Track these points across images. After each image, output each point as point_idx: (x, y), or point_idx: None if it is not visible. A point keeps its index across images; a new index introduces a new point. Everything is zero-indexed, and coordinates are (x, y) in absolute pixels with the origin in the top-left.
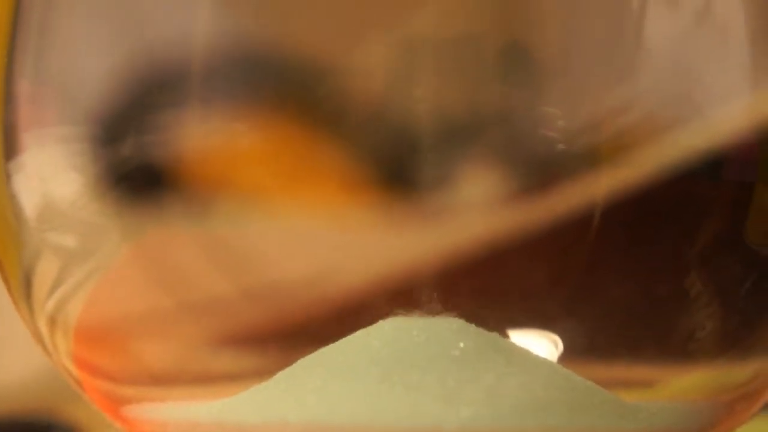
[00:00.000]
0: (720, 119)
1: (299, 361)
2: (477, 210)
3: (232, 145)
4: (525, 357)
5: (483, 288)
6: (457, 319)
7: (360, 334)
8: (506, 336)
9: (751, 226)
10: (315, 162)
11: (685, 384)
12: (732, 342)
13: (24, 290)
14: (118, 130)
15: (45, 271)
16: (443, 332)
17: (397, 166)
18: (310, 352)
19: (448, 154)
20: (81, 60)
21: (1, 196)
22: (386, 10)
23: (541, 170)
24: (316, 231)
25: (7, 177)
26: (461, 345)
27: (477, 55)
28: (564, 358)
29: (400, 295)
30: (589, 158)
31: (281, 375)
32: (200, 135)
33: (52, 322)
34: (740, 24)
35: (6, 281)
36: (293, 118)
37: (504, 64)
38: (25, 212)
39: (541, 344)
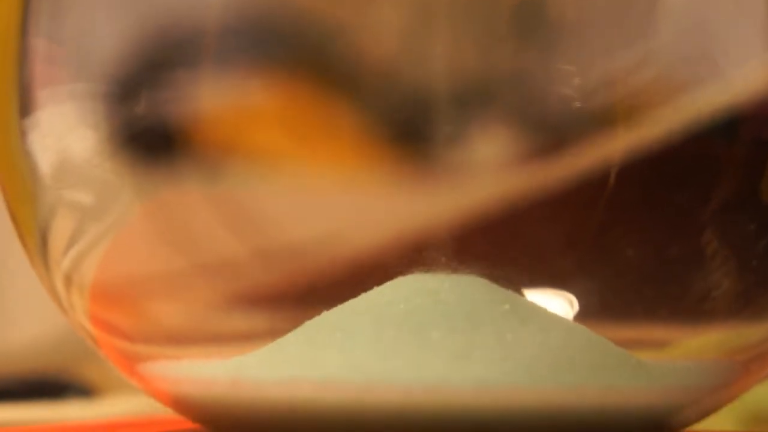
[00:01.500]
0: (736, 78)
1: (314, 319)
2: (492, 169)
3: (245, 106)
4: (541, 315)
5: (498, 248)
6: (472, 276)
7: (374, 291)
8: (522, 295)
9: (766, 186)
10: (328, 122)
11: (700, 344)
12: (747, 302)
13: (40, 248)
14: (132, 87)
15: (60, 229)
16: (458, 290)
17: (411, 126)
18: (324, 311)
19: (462, 114)
20: (96, 18)
21: (17, 154)
22: None
23: (556, 129)
24: (329, 191)
25: (23, 134)
26: (476, 302)
27: (491, 14)
28: (579, 317)
29: (414, 255)
30: (605, 117)
31: (296, 333)
32: (213, 94)
33: (68, 280)
34: None
35: (22, 239)
36: (306, 78)
37: (518, 22)
38: (40, 170)
39: (556, 303)
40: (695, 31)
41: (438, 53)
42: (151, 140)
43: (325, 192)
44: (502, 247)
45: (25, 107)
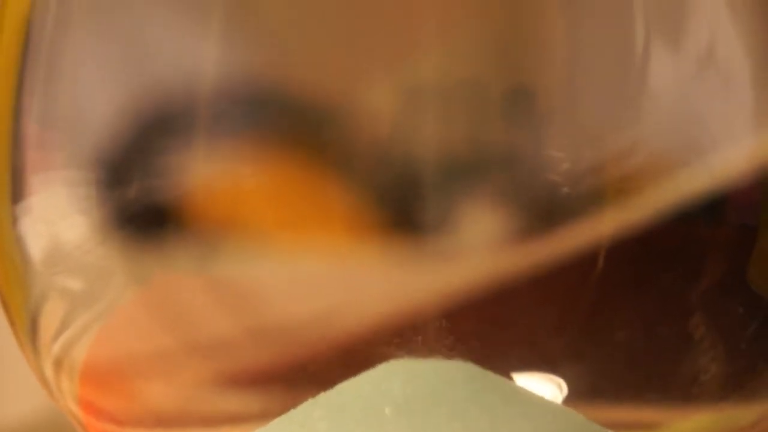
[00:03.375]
0: (723, 162)
1: (305, 403)
2: (481, 252)
3: (238, 186)
4: (530, 399)
5: (487, 330)
6: (460, 361)
7: (363, 376)
8: (510, 378)
9: (754, 270)
10: (320, 203)
11: (689, 426)
12: (736, 385)
13: (30, 333)
14: (124, 173)
15: (51, 314)
16: (447, 374)
17: (402, 208)
18: (316, 393)
19: (452, 196)
20: (87, 103)
21: (8, 239)
22: (391, 52)
23: (544, 213)
24: (321, 271)
25: (14, 220)
26: (465, 387)
27: (481, 99)
28: (568, 400)
29: (404, 337)
30: (593, 201)
31: (287, 416)
32: (206, 177)
33: (58, 364)
34: (743, 68)
35: (12, 324)
36: (298, 158)
37: (508, 107)
38: (31, 255)
39: (545, 387)
40: (683, 116)
41: (428, 135)
42: (143, 224)
43: (316, 273)
44: (491, 329)
45: (17, 192)
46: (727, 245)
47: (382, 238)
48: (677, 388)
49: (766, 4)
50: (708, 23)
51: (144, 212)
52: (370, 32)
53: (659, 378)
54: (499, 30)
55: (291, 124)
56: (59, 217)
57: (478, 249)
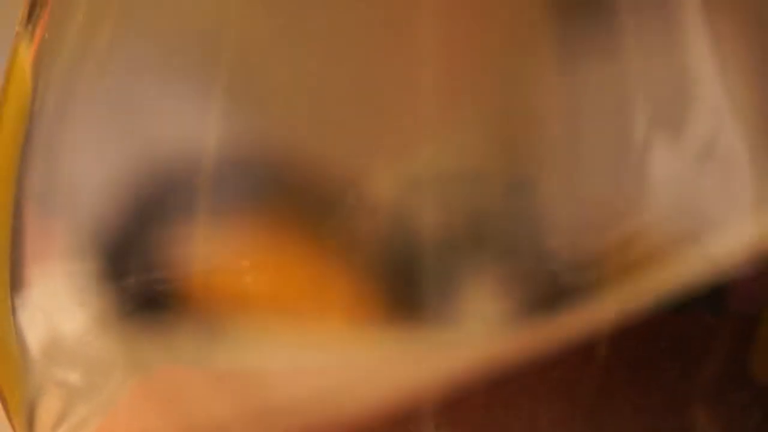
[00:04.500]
0: (724, 252)
1: None
2: (481, 339)
3: (239, 273)
4: None
5: (485, 418)
6: None
7: None
8: None
9: (757, 360)
10: (320, 288)
11: None
12: None
13: (27, 426)
14: (124, 263)
15: (49, 406)
16: None
17: (401, 294)
18: None
19: (452, 283)
20: (85, 189)
21: (7, 329)
22: (392, 139)
23: (545, 302)
24: (321, 357)
25: (13, 310)
26: None
27: (481, 188)
28: None
29: (403, 423)
30: (593, 290)
31: None
32: (206, 265)
33: None
34: (743, 158)
35: (9, 416)
36: (299, 242)
37: (508, 196)
38: (29, 346)
39: None
40: (683, 206)
41: (429, 223)
42: (143, 315)
43: (317, 358)
44: (490, 418)
45: (16, 282)
46: (729, 335)
47: (381, 324)
48: None
49: (765, 94)
50: (709, 114)
51: (144, 302)
52: (373, 118)
53: None
54: (500, 120)
55: (292, 208)
56: (58, 308)
57: (477, 336)
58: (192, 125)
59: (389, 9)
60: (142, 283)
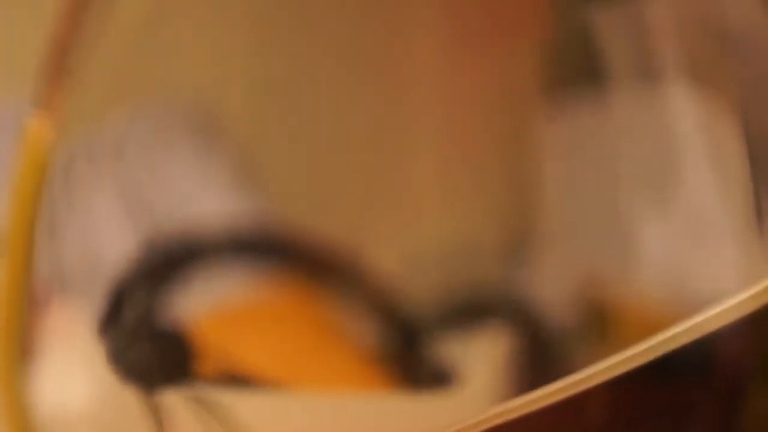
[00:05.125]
0: (711, 321)
1: None
2: (479, 404)
3: (241, 340)
4: None
5: None
6: None
7: None
8: None
9: (743, 429)
10: (322, 354)
11: None
12: None
13: None
14: (131, 332)
15: None
16: None
17: (403, 359)
18: None
19: (451, 352)
20: (102, 269)
21: (18, 401)
22: (394, 213)
23: (539, 368)
24: (324, 422)
25: (24, 381)
26: None
27: (480, 261)
28: None
29: None
30: (584, 357)
31: None
32: (210, 331)
33: None
34: (729, 227)
35: None
36: (301, 311)
37: (504, 268)
38: (41, 416)
39: None
40: (671, 274)
41: (429, 292)
42: (152, 382)
43: (319, 423)
44: None
45: (27, 354)
46: (715, 404)
47: (383, 390)
48: None
49: (748, 166)
50: (696, 187)
51: (151, 369)
52: (374, 193)
53: None
54: (497, 193)
55: (295, 280)
56: (69, 378)
57: (475, 400)
58: (198, 202)
59: (387, 84)
60: (149, 349)
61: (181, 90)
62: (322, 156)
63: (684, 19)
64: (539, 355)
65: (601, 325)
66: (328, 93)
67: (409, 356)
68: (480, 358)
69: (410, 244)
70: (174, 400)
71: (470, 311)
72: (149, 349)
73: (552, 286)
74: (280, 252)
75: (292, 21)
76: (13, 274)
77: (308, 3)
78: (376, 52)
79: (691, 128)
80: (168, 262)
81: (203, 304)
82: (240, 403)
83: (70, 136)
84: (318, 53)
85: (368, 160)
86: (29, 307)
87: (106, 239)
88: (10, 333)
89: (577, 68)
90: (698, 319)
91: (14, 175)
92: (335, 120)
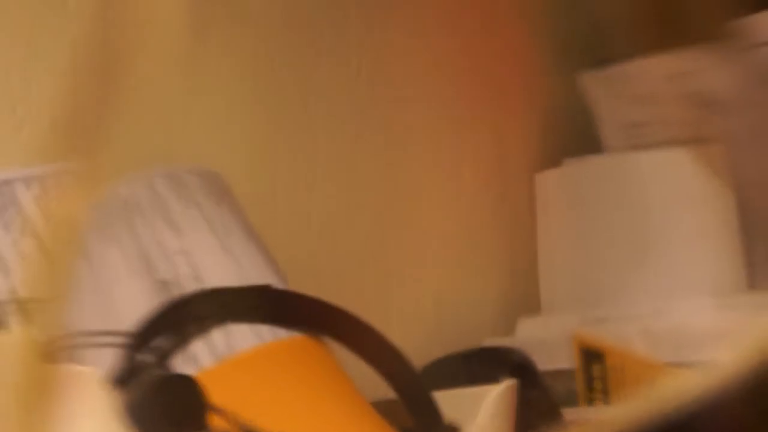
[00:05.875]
0: (698, 386)
1: None
2: None
3: (252, 396)
4: None
5: None
6: None
7: None
8: None
9: None
10: (328, 405)
11: None
12: None
13: None
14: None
15: None
16: None
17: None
18: None
19: (455, 400)
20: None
21: None
22: (396, 275)
23: (537, 412)
24: None
25: None
26: None
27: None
28: None
29: None
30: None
31: None
32: (217, 389)
33: None
34: (712, 279)
35: None
36: (308, 365)
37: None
38: None
39: None
40: (657, 321)
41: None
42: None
43: None
44: None
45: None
46: None
47: None
48: None
49: (737, 218)
50: (679, 242)
51: (165, 421)
52: (377, 258)
53: None
54: (496, 259)
55: (302, 334)
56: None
57: None
58: (212, 262)
59: (389, 155)
60: (167, 403)
61: (195, 156)
62: (325, 222)
63: (670, 82)
64: (537, 404)
65: (594, 371)
66: (330, 163)
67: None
68: (481, 407)
69: (412, 306)
70: None
71: (471, 365)
72: (163, 401)
73: (549, 336)
74: (286, 310)
75: (297, 95)
76: (34, 331)
77: (312, 81)
78: (378, 124)
79: (677, 186)
80: (183, 317)
81: (216, 358)
82: None
83: (91, 197)
84: (321, 127)
85: (370, 228)
86: (48, 362)
87: (122, 293)
88: (30, 388)
89: (570, 134)
90: (685, 381)
91: (36, 236)
92: (339, 188)
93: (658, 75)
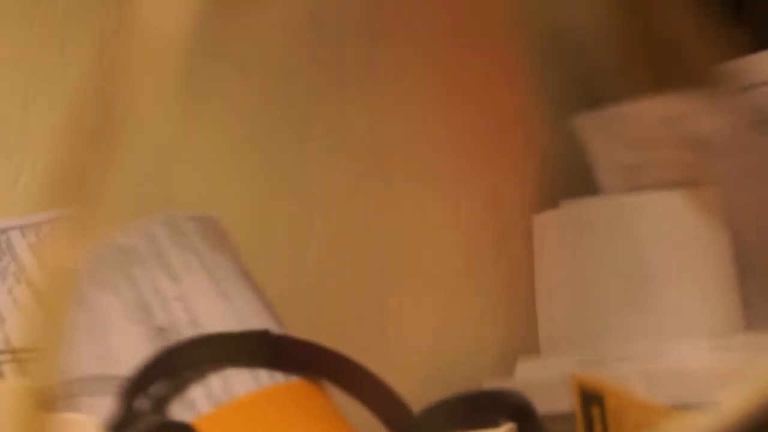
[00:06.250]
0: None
1: None
2: None
3: None
4: None
5: None
6: None
7: None
8: None
9: None
10: None
11: None
12: None
13: None
14: None
15: None
16: None
17: None
18: None
19: None
20: (124, 376)
21: None
22: (393, 324)
23: None
24: None
25: None
26: None
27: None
28: None
29: None
30: None
31: None
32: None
33: None
34: (708, 322)
35: None
36: (305, 409)
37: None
38: None
39: None
40: (653, 363)
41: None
42: None
43: None
44: None
45: None
46: None
47: None
48: None
49: (732, 259)
50: (674, 284)
51: None
52: (372, 308)
53: None
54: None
55: (298, 379)
56: None
57: None
58: (208, 307)
59: (388, 205)
60: None
61: (193, 202)
62: (323, 267)
63: (664, 125)
64: None
65: (593, 414)
66: (328, 209)
67: None
68: None
69: (410, 349)
70: None
71: (469, 409)
72: None
73: (548, 378)
74: (284, 355)
75: (294, 141)
76: (30, 380)
77: (309, 128)
78: (375, 169)
79: (674, 228)
80: (180, 363)
81: (214, 403)
82: None
83: (87, 245)
84: (319, 176)
85: (368, 272)
86: (44, 411)
87: (119, 341)
88: None
89: (568, 175)
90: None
91: (32, 284)
92: (337, 233)
93: (652, 118)
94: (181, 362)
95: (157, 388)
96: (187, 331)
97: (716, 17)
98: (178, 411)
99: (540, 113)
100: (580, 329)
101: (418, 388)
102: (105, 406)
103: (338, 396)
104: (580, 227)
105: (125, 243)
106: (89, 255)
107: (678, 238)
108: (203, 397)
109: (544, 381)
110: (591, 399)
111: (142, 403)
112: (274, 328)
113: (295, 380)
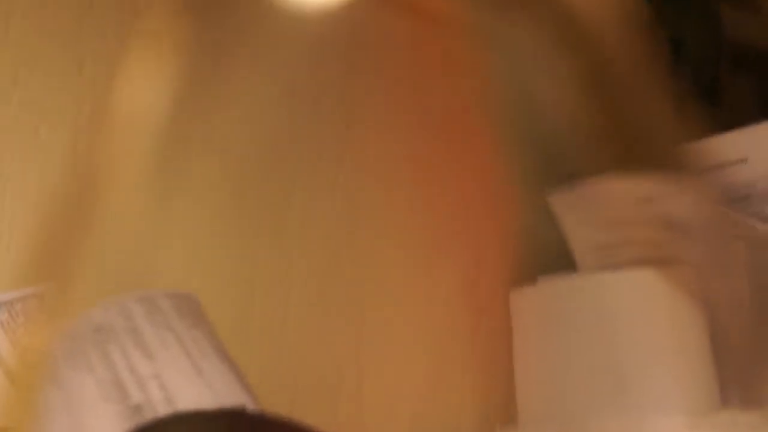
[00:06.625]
0: None
1: None
2: None
3: None
4: None
5: None
6: None
7: None
8: None
9: None
10: None
11: None
12: None
13: None
14: None
15: None
16: None
17: None
18: None
19: None
20: None
21: None
22: (374, 397)
23: None
24: None
25: None
26: None
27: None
28: None
29: None
30: None
31: None
32: None
33: None
34: (683, 406)
35: None
36: None
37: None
38: None
39: None
40: None
41: None
42: None
43: None
44: None
45: None
46: None
47: None
48: None
49: (708, 343)
50: (644, 373)
51: None
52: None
53: None
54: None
55: None
56: None
57: None
58: (184, 384)
59: (364, 279)
60: None
61: (170, 280)
62: (300, 345)
63: (637, 205)
64: None
65: None
66: (305, 288)
67: None
68: None
69: (388, 427)
70: None
71: None
72: None
73: None
74: None
75: (272, 221)
76: None
77: (287, 209)
78: (352, 248)
79: (648, 306)
80: None
81: None
82: None
83: (61, 324)
84: (296, 254)
85: (346, 351)
86: None
87: (94, 420)
88: None
89: (545, 251)
90: None
91: (4, 363)
92: (314, 312)
93: (624, 198)
94: None
95: None
96: (163, 409)
97: (691, 96)
98: None
99: (517, 190)
100: (558, 404)
101: None
102: None
103: None
104: (557, 304)
105: (101, 320)
106: (63, 333)
107: (653, 316)
108: None
109: None
110: None
111: None
112: (250, 405)
113: None
